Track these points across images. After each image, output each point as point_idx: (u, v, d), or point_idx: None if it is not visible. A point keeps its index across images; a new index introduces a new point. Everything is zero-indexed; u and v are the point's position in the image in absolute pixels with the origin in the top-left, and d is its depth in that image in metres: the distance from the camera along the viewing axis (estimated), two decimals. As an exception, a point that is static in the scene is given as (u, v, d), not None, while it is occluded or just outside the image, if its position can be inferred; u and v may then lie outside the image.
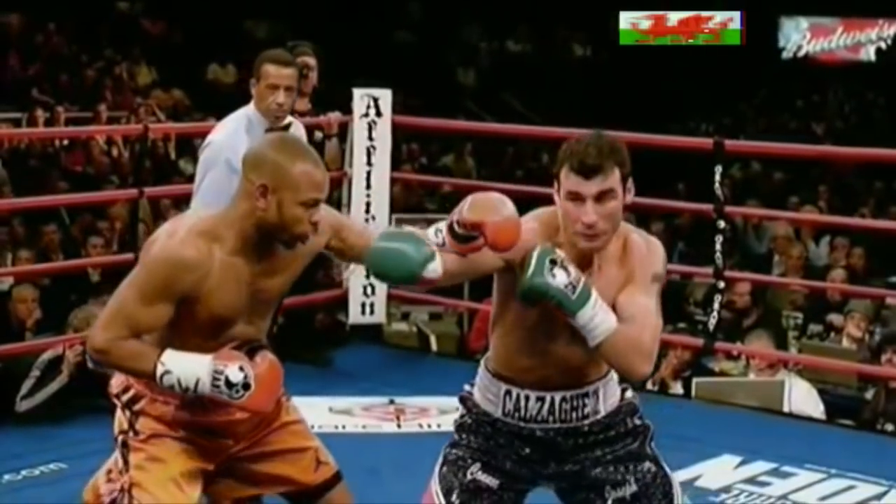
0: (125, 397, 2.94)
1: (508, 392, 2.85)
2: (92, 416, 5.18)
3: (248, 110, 4.30)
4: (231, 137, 4.15)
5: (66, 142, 11.28)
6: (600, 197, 2.66)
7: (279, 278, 2.88)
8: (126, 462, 2.92)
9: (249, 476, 2.99)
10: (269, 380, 2.73)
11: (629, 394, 2.96)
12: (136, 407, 2.92)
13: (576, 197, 2.69)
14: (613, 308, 2.69)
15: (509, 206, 2.70)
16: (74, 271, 7.55)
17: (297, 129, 4.54)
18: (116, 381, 2.97)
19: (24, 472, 4.58)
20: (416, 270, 2.59)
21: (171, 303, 2.75)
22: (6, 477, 4.54)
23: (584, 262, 2.72)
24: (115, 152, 11.11)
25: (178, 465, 2.85)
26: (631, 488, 2.86)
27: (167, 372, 2.72)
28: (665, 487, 2.88)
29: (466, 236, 2.67)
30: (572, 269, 2.62)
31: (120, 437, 2.94)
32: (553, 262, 2.60)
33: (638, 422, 2.93)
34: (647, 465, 2.88)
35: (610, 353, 2.67)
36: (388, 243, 2.61)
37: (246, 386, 2.68)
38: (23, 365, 5.16)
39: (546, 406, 2.84)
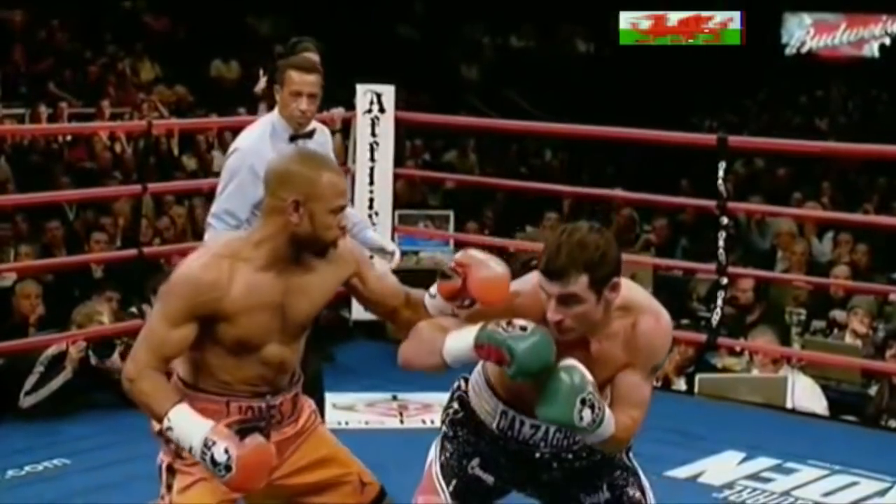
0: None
1: (504, 413, 2.88)
2: (95, 413, 5.20)
3: (273, 116, 4.28)
4: (256, 144, 4.15)
5: (69, 138, 11.28)
6: (563, 300, 2.63)
7: (309, 299, 2.90)
8: (169, 487, 2.92)
9: None
10: (253, 465, 2.68)
11: None
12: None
13: (545, 292, 2.66)
14: (608, 380, 2.72)
15: (495, 264, 2.76)
16: (77, 267, 7.55)
17: (323, 134, 4.50)
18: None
19: (27, 468, 4.59)
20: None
21: (195, 323, 2.77)
22: (9, 472, 4.55)
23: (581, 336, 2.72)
24: (118, 148, 11.11)
25: (222, 491, 2.81)
26: (604, 495, 2.89)
27: (170, 428, 2.74)
28: (637, 497, 2.90)
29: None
30: (597, 402, 2.61)
31: (165, 462, 2.90)
32: (583, 402, 2.59)
33: None
34: (621, 473, 2.91)
35: (599, 445, 2.72)
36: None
37: (227, 468, 2.66)
38: (26, 361, 5.17)
39: (540, 434, 2.87)
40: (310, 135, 4.31)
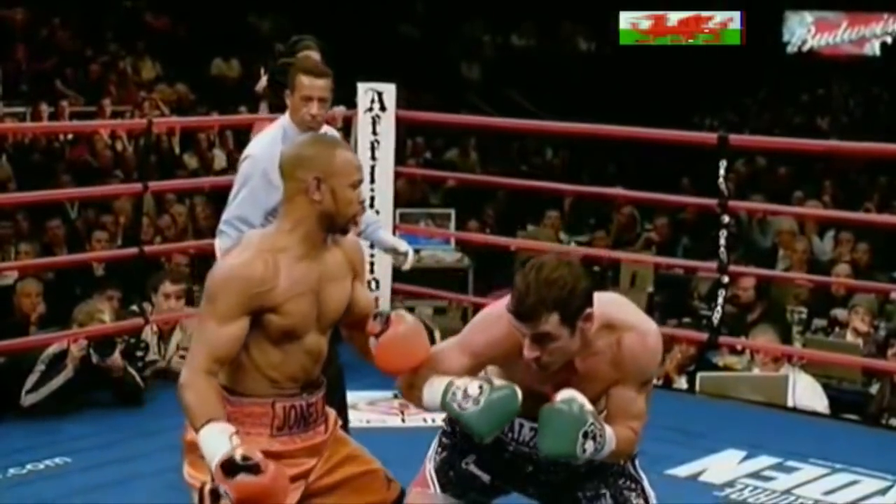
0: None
1: None
2: (96, 411, 5.20)
3: (284, 121, 4.26)
4: (268, 150, 4.14)
5: (70, 136, 11.28)
6: (536, 339, 2.65)
7: (341, 286, 2.96)
8: None
9: None
10: (266, 493, 2.63)
11: None
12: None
13: (518, 331, 2.69)
14: (600, 394, 2.75)
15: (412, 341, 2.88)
16: (78, 266, 7.55)
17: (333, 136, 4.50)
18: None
19: (28, 466, 4.59)
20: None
21: (246, 319, 2.80)
22: (11, 471, 4.55)
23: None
24: (119, 147, 11.11)
25: None
26: (607, 502, 2.90)
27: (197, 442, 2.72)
28: None
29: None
30: (599, 431, 2.65)
31: (207, 487, 2.67)
32: (585, 436, 2.63)
33: None
34: (626, 482, 2.91)
35: (601, 459, 2.74)
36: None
37: (226, 494, 2.61)
38: (27, 359, 5.16)
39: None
40: None
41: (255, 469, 2.59)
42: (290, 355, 2.87)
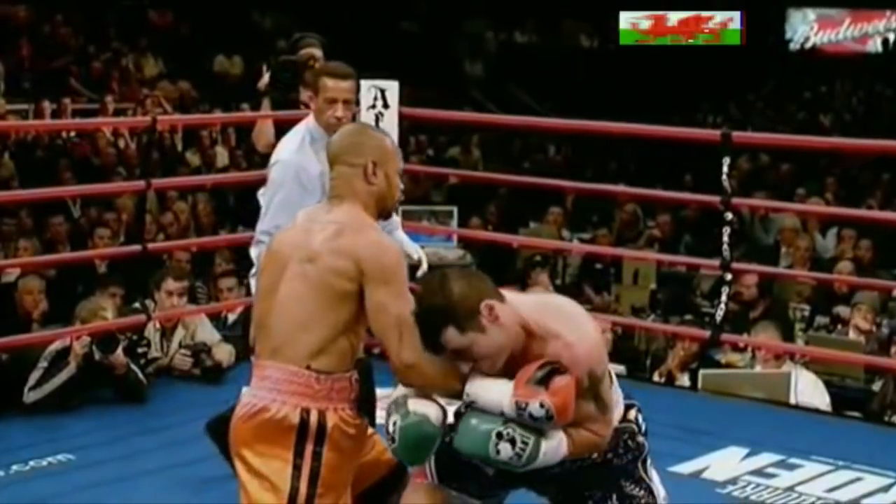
0: (312, 425, 2.89)
1: None
2: (99, 408, 5.21)
3: (309, 124, 4.25)
4: (297, 154, 4.13)
5: (73, 133, 11.29)
6: (457, 353, 2.77)
7: None
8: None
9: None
10: (566, 400, 2.78)
11: (632, 413, 2.99)
12: (324, 446, 2.90)
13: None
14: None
15: None
16: (81, 263, 7.56)
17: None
18: (291, 411, 2.90)
19: (31, 463, 4.59)
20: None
21: None
22: (14, 467, 4.55)
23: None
24: (121, 144, 11.12)
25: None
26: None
27: (473, 401, 2.82)
28: None
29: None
30: (520, 437, 2.71)
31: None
32: (499, 436, 2.72)
33: (631, 442, 2.97)
34: (634, 487, 2.92)
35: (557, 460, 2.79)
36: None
37: (549, 417, 2.75)
38: (30, 356, 5.16)
39: None
40: None
41: (557, 370, 2.73)
42: (363, 332, 2.99)
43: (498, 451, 2.70)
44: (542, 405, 2.71)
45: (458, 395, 2.84)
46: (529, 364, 2.77)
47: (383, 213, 3.04)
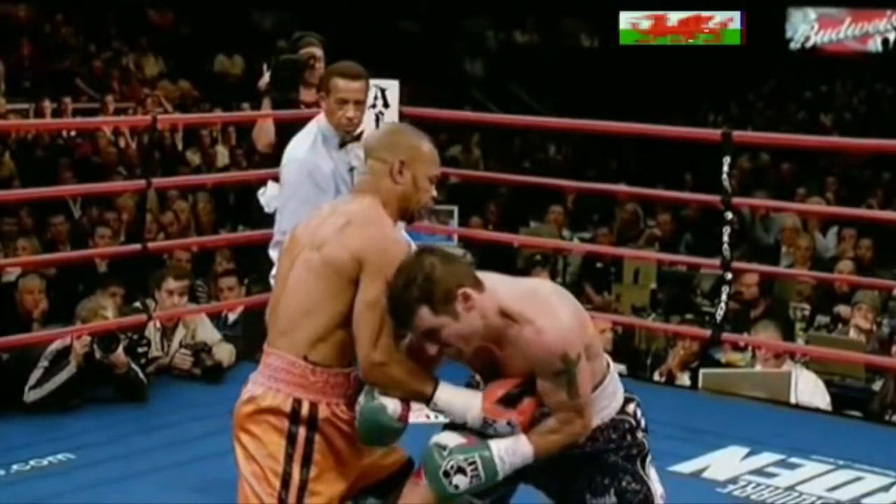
0: (303, 415, 2.92)
1: None
2: (99, 407, 5.20)
3: (320, 123, 4.24)
4: (310, 153, 4.13)
5: (73, 133, 11.30)
6: (426, 336, 2.76)
7: None
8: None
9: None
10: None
11: (631, 407, 2.98)
12: (315, 432, 2.93)
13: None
14: (528, 375, 2.81)
15: None
16: (81, 262, 7.55)
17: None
18: (284, 400, 2.93)
19: (32, 462, 4.59)
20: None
21: None
22: (14, 467, 4.54)
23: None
24: (122, 143, 11.12)
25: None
26: (611, 499, 2.91)
27: (436, 405, 2.89)
28: None
29: None
30: (467, 464, 2.75)
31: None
32: (447, 475, 2.76)
33: (630, 438, 2.96)
34: (631, 482, 2.92)
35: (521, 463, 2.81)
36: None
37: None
38: (31, 356, 5.16)
39: None
40: (358, 137, 4.28)
41: (526, 392, 2.79)
42: None
43: (456, 487, 2.74)
44: (509, 423, 2.79)
45: (421, 400, 2.87)
46: (502, 381, 2.82)
47: (405, 215, 3.03)
